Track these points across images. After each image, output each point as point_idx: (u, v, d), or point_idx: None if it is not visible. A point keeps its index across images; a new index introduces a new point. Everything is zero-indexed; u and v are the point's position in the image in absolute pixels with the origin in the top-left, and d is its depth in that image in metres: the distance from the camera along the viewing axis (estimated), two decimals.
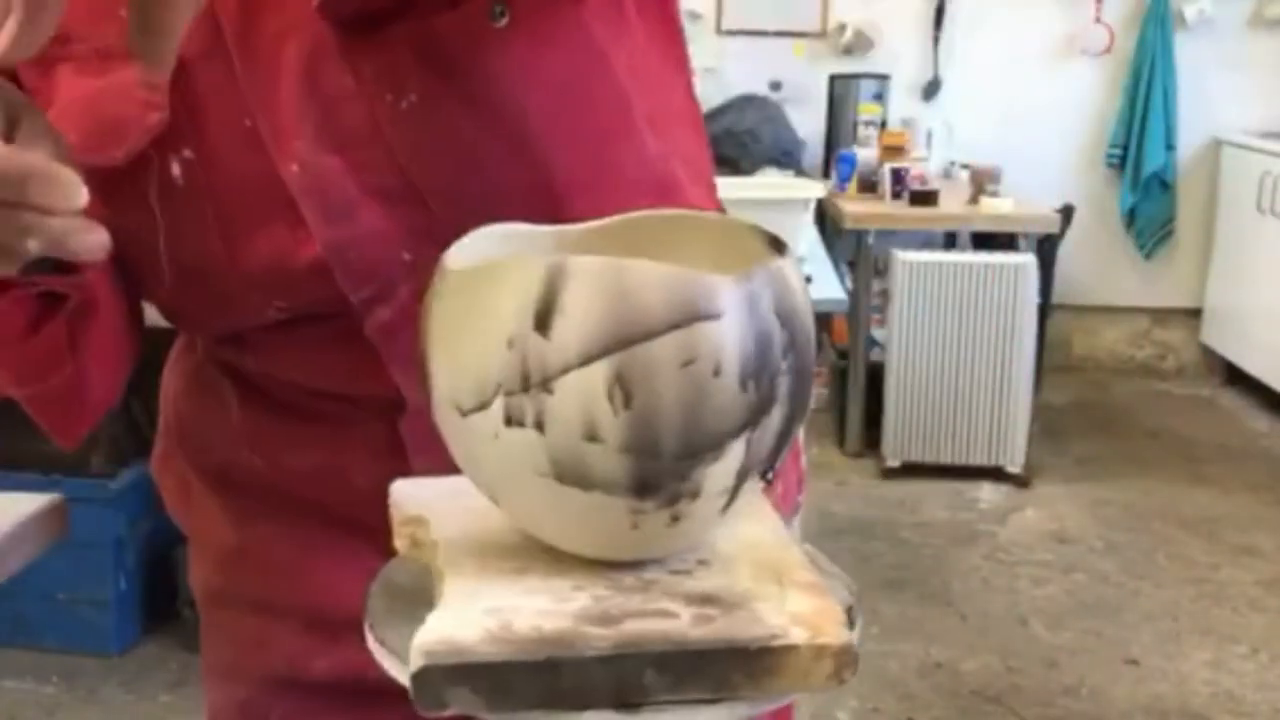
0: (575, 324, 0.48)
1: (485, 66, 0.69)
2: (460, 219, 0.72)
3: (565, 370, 0.48)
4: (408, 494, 0.63)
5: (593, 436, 0.49)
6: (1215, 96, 4.85)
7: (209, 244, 0.72)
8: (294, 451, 0.82)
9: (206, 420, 0.86)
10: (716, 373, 0.49)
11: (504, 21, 0.67)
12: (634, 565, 0.56)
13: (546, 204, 0.70)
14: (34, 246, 0.54)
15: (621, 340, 0.48)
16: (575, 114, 0.72)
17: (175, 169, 0.70)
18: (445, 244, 0.60)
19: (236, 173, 0.70)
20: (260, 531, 0.84)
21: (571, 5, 0.71)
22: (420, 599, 0.54)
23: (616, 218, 0.62)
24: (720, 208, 0.91)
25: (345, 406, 0.80)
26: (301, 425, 0.81)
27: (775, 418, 0.52)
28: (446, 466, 0.66)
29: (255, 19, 0.69)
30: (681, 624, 0.50)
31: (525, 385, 0.49)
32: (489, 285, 0.51)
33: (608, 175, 0.76)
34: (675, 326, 0.48)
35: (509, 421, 0.50)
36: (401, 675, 0.51)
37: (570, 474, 0.50)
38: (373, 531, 0.80)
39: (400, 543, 0.60)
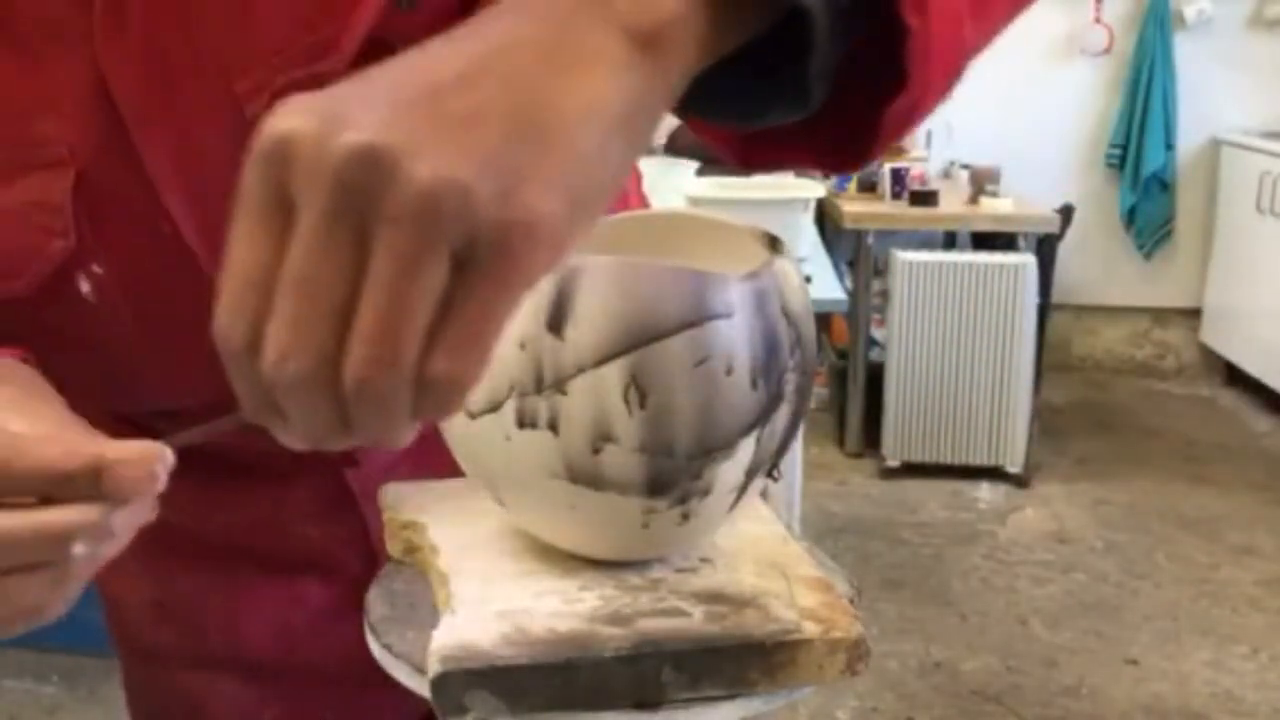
0: (589, 324, 0.48)
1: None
2: None
3: (579, 371, 0.48)
4: (401, 497, 0.62)
5: (608, 436, 0.48)
6: (1215, 96, 4.84)
7: (130, 353, 0.65)
8: (227, 510, 0.76)
9: None
10: (729, 371, 0.49)
11: (408, 6, 0.57)
12: (639, 564, 0.55)
13: None
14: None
15: (636, 340, 0.48)
16: None
17: (84, 286, 0.61)
18: None
19: (158, 283, 0.62)
20: (186, 585, 0.79)
21: None
22: (421, 604, 0.54)
23: (613, 217, 0.62)
24: (637, 172, 0.83)
25: (287, 461, 0.72)
26: (236, 486, 0.75)
27: (783, 415, 0.52)
28: None
29: (168, 96, 0.56)
30: (695, 622, 0.50)
31: (539, 386, 0.49)
32: None
33: None
34: (688, 325, 0.48)
35: (522, 423, 0.50)
36: (411, 681, 0.50)
37: (584, 474, 0.50)
38: (315, 568, 0.76)
39: (395, 547, 0.60)
